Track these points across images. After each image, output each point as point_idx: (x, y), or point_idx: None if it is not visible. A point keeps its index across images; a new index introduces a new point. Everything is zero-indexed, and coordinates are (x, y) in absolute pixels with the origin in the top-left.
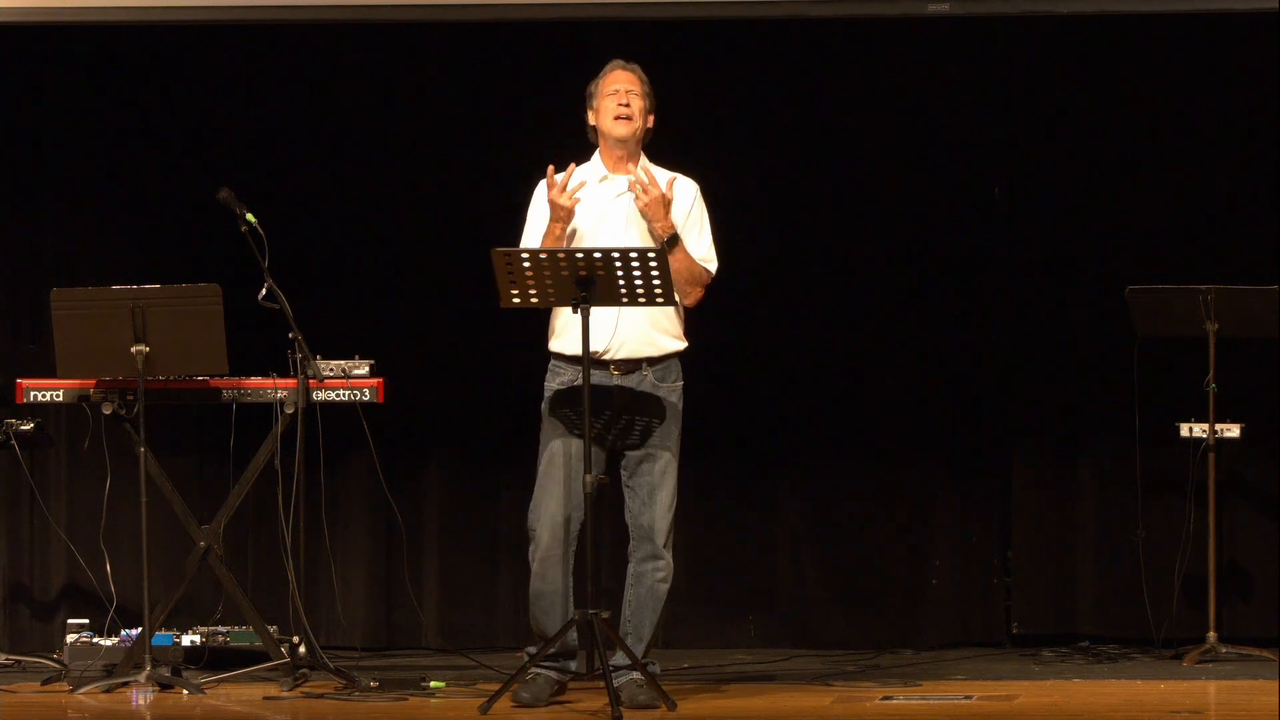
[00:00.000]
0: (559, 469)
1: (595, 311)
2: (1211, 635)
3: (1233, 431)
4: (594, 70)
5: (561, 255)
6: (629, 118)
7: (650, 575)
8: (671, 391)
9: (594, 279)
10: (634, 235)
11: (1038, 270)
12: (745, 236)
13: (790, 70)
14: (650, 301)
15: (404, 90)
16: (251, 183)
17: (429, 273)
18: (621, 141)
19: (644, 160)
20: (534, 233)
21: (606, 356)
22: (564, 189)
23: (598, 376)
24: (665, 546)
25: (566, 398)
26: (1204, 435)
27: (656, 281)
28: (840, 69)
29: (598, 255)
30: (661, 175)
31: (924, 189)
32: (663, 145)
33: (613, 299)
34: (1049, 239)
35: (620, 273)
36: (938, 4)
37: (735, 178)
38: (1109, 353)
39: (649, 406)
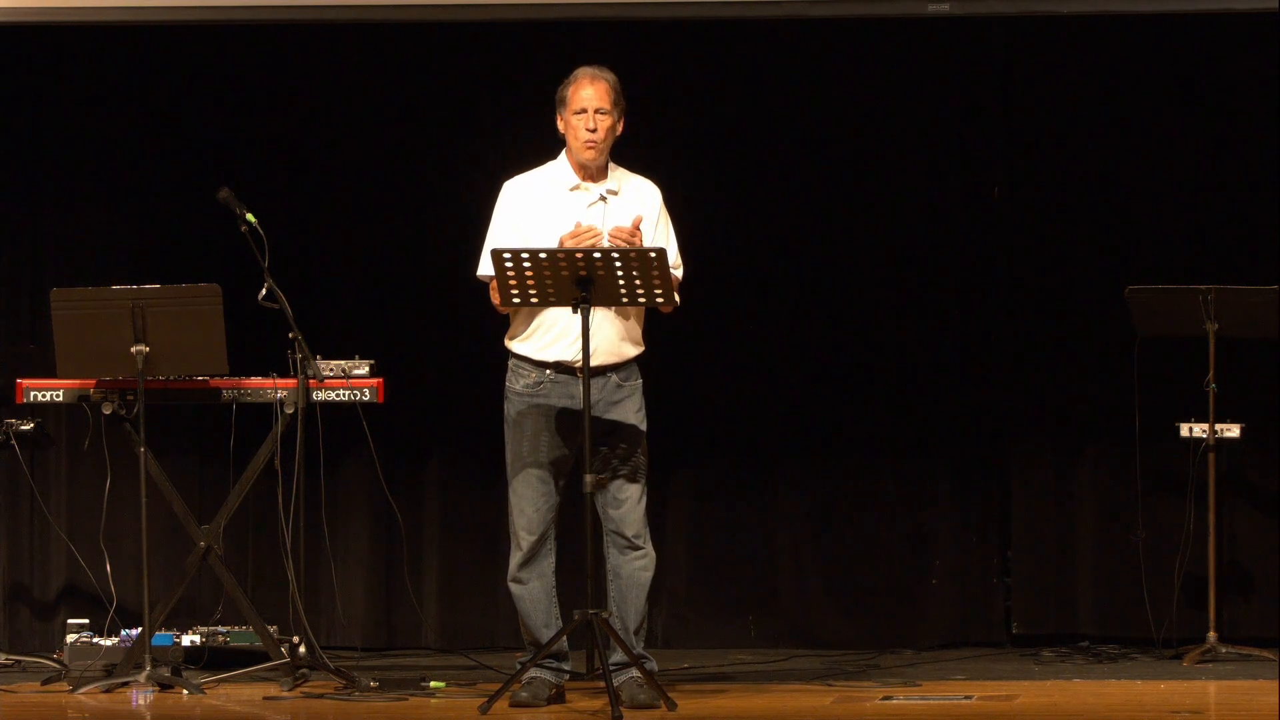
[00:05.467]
0: (533, 473)
1: (566, 320)
2: (1211, 635)
3: (1233, 431)
4: None
5: (561, 255)
6: (596, 144)
7: (627, 566)
8: (634, 390)
9: (594, 279)
10: (604, 245)
11: (1038, 270)
12: (747, 236)
13: (790, 70)
14: (650, 302)
15: (404, 90)
16: (251, 183)
17: (429, 272)
18: (593, 162)
19: (617, 175)
20: (507, 243)
21: (577, 364)
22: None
23: (565, 380)
24: (640, 537)
25: (535, 403)
26: (1204, 435)
27: (656, 282)
28: (840, 69)
29: (597, 255)
30: (627, 179)
31: (924, 189)
32: (664, 145)
33: (613, 299)
34: (1049, 239)
35: (620, 273)
36: (938, 4)
37: (737, 178)
38: (1109, 353)
39: (616, 411)
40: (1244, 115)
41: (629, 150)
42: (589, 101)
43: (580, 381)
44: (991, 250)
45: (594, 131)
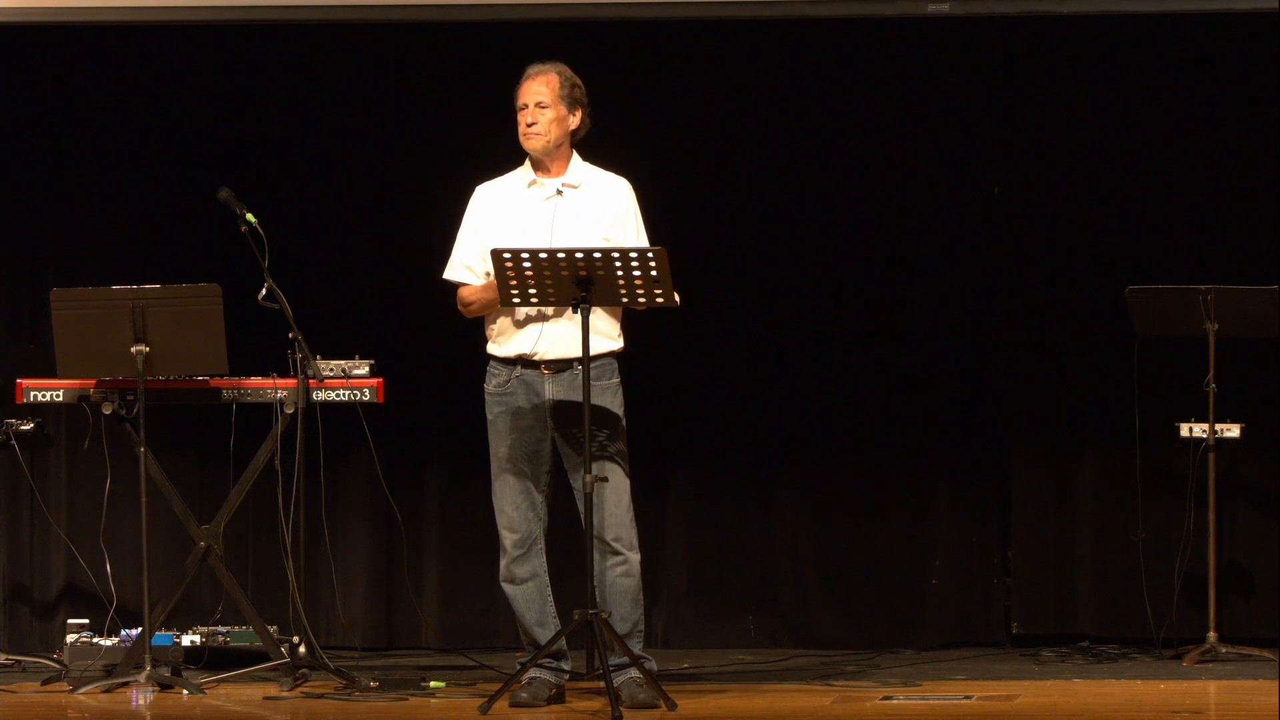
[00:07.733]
0: (509, 474)
1: (523, 312)
2: (1211, 635)
3: (1233, 431)
4: None
5: (562, 255)
6: (532, 135)
7: (609, 574)
8: (605, 389)
9: (594, 279)
10: (559, 239)
11: (1038, 270)
12: (747, 236)
13: (790, 70)
14: (650, 301)
15: (404, 90)
16: (251, 183)
17: (429, 272)
18: (536, 153)
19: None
20: (469, 248)
21: (535, 357)
22: None
23: (529, 376)
24: (620, 542)
25: (507, 401)
26: (1204, 435)
27: (656, 281)
28: (840, 69)
29: (598, 255)
30: (594, 175)
31: (924, 189)
32: (663, 145)
33: (612, 299)
34: (1049, 239)
35: (620, 272)
36: (938, 4)
37: (736, 178)
38: (1109, 353)
39: (583, 412)
40: (1244, 115)
41: (629, 150)
42: (527, 96)
43: (547, 379)
44: (991, 250)
45: (532, 125)
